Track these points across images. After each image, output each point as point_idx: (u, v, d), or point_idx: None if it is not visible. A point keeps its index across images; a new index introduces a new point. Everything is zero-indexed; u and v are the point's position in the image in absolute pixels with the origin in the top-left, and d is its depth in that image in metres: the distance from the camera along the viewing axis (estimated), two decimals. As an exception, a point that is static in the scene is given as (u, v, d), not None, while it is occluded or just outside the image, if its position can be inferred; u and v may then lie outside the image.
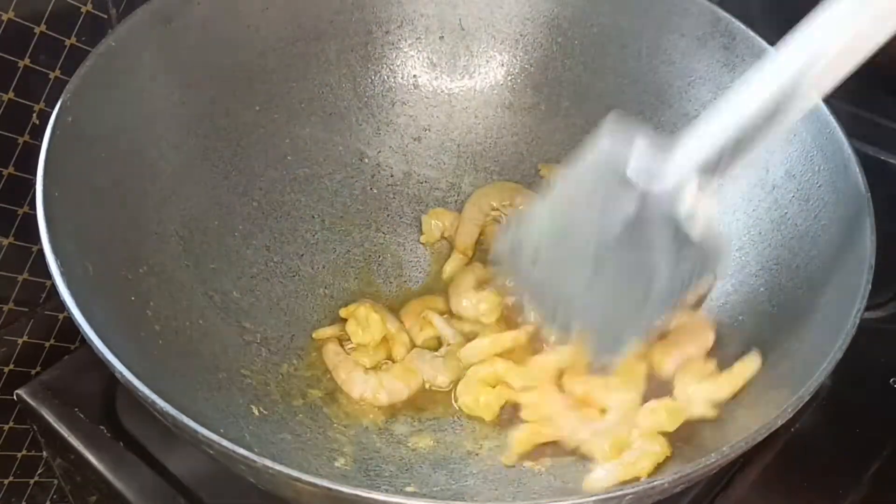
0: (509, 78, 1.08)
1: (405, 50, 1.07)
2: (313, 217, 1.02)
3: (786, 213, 0.90)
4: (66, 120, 0.80)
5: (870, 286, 0.75)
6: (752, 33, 0.94)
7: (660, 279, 0.75)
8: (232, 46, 0.98)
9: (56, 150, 0.78)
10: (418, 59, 1.08)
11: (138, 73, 0.89)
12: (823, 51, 0.65)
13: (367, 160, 1.06)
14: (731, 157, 0.70)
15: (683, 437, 0.82)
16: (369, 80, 1.07)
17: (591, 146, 0.76)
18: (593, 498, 0.63)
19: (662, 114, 1.01)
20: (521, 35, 1.07)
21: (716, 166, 0.70)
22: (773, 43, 0.92)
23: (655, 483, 0.63)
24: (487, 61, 1.08)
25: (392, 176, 1.07)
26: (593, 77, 1.05)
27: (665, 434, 0.81)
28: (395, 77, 1.08)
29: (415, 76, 1.08)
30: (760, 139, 0.69)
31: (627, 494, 0.63)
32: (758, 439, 0.67)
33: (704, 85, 0.98)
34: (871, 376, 0.97)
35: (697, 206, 0.72)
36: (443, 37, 1.08)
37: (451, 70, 1.08)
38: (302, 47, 1.02)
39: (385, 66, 1.07)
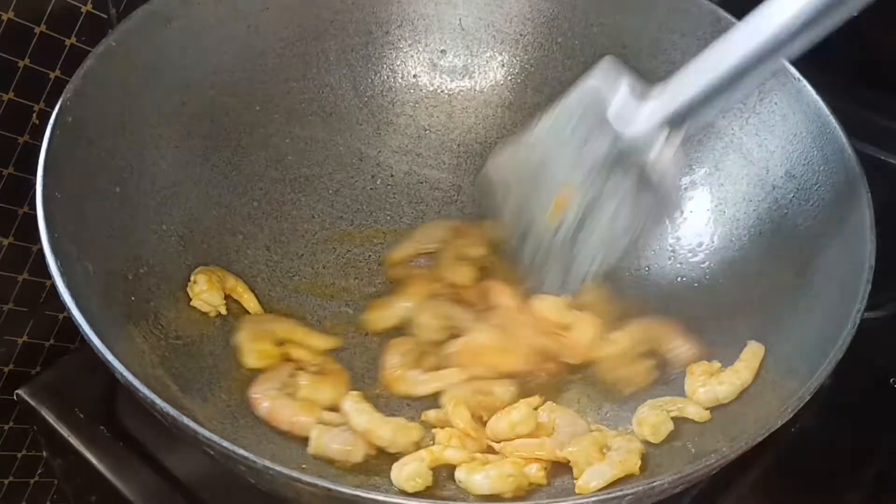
0: (509, 78, 1.08)
1: (405, 50, 1.07)
2: (313, 217, 1.02)
3: (786, 213, 0.90)
4: (66, 120, 0.80)
5: (870, 286, 0.75)
6: (752, 33, 0.93)
7: (619, 218, 0.81)
8: (232, 46, 0.98)
9: (56, 150, 0.78)
10: (418, 59, 1.08)
11: (138, 74, 0.89)
12: (786, 21, 0.68)
13: (367, 160, 1.06)
14: (700, 112, 0.76)
15: (683, 437, 0.82)
16: (369, 80, 1.07)
17: (580, 84, 0.82)
18: (594, 498, 0.64)
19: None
20: (521, 35, 1.07)
21: (684, 119, 0.76)
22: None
23: (655, 483, 0.63)
24: (487, 61, 1.08)
25: (392, 176, 1.07)
26: (593, 77, 1.05)
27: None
28: (395, 77, 1.08)
29: (415, 76, 1.08)
30: (728, 97, 0.74)
31: (627, 495, 0.63)
32: (758, 439, 0.67)
33: (705, 85, 0.97)
34: (871, 376, 0.97)
35: (663, 154, 0.77)
36: (443, 37, 1.08)
37: (451, 70, 1.08)
38: (302, 47, 1.03)
39: (385, 66, 1.07)
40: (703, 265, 0.97)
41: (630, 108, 0.78)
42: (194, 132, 0.95)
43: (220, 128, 0.97)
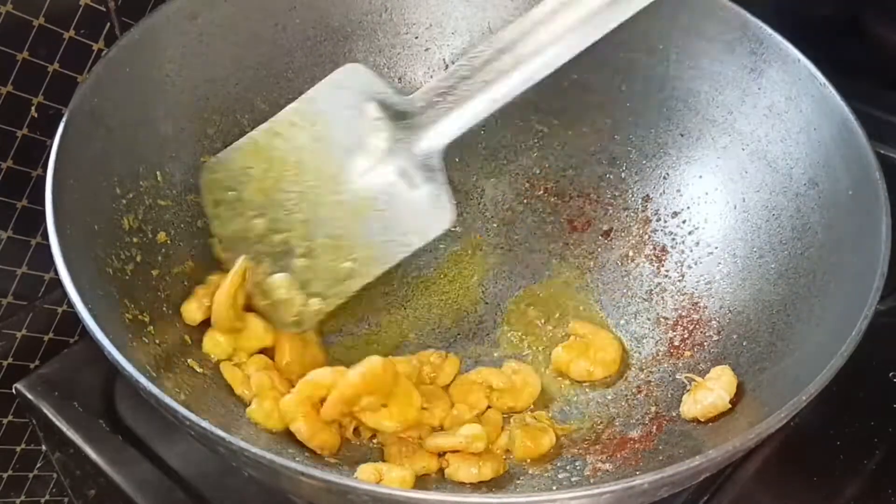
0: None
1: (433, 52, 1.09)
2: (334, 218, 1.04)
3: (807, 221, 0.91)
4: (83, 109, 0.83)
5: (879, 293, 0.76)
6: (780, 38, 0.94)
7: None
8: (258, 44, 1.00)
9: (70, 140, 0.80)
10: (446, 61, 1.10)
11: (162, 66, 0.92)
12: None
13: (391, 162, 1.08)
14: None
15: (681, 437, 0.83)
16: (396, 82, 1.08)
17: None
18: (569, 494, 0.64)
19: (689, 120, 1.02)
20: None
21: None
22: (800, 47, 0.93)
23: (635, 483, 0.64)
24: (515, 65, 1.09)
25: (417, 178, 1.08)
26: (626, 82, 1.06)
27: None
28: (421, 80, 1.09)
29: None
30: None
31: (605, 493, 0.64)
32: (749, 445, 0.69)
33: (732, 91, 0.98)
34: (871, 370, 0.98)
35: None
36: (471, 40, 1.09)
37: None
38: (330, 47, 1.05)
39: (412, 67, 1.09)
40: (720, 271, 0.98)
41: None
42: (216, 127, 0.98)
43: (243, 124, 1.00)
